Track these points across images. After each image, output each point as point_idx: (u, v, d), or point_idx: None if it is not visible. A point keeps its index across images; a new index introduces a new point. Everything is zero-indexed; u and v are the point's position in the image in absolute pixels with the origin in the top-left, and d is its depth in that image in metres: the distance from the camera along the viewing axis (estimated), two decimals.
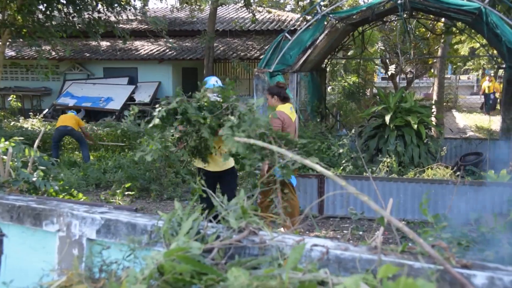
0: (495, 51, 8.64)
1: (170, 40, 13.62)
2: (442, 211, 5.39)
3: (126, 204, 6.44)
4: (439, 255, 1.41)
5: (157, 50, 15.62)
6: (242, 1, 14.42)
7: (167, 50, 15.44)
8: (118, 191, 6.78)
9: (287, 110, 4.81)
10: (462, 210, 4.73)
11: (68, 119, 9.02)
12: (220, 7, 16.85)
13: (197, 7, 15.36)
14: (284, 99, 4.89)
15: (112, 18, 12.18)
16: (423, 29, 12.29)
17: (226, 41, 16.00)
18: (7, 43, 11.10)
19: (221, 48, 15.35)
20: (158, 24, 12.19)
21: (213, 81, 4.63)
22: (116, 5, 11.46)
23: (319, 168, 1.56)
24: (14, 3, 10.07)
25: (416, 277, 1.40)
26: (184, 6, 15.51)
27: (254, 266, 1.59)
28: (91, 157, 9.18)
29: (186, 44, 16.08)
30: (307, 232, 5.31)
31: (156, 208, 6.45)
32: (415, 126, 7.10)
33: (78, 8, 10.85)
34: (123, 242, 1.73)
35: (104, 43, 16.00)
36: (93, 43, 14.67)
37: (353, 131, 8.55)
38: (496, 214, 2.42)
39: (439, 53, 12.77)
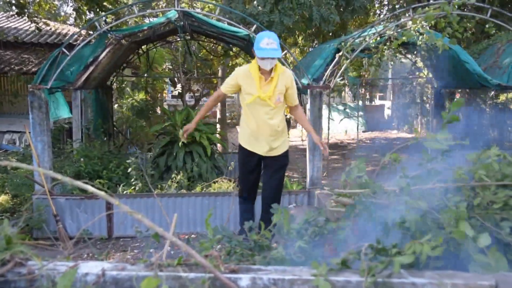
0: None
1: None
2: (224, 222, 5.78)
3: None
4: (209, 264, 1.51)
5: None
6: (14, 9, 13.04)
7: None
8: None
9: None
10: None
11: None
12: None
13: None
14: None
15: None
16: (206, 51, 13.07)
17: None
18: None
19: None
20: None
21: (264, 43, 3.87)
22: None
23: (90, 188, 1.52)
24: None
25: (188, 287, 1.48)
26: None
27: None
28: None
29: None
30: (87, 256, 5.05)
31: None
32: (203, 142, 7.48)
33: None
34: None
35: None
36: None
37: (145, 148, 8.54)
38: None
39: (220, 73, 13.75)
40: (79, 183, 1.60)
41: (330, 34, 11.15)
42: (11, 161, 6.67)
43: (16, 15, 13.19)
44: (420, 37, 5.66)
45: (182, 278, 1.52)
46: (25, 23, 15.79)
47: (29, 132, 5.77)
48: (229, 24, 6.26)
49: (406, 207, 1.90)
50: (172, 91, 21.20)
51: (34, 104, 5.60)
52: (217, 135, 9.11)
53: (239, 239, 2.67)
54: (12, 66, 13.21)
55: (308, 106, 6.11)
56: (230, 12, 7.02)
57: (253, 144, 4.35)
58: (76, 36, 7.70)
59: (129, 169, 6.88)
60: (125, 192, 6.47)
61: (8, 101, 13.24)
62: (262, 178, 4.61)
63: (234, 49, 10.53)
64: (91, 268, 1.55)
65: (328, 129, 9.90)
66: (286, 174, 9.32)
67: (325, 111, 9.07)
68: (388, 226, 1.89)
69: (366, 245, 1.63)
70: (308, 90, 5.99)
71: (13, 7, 13.04)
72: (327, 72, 6.10)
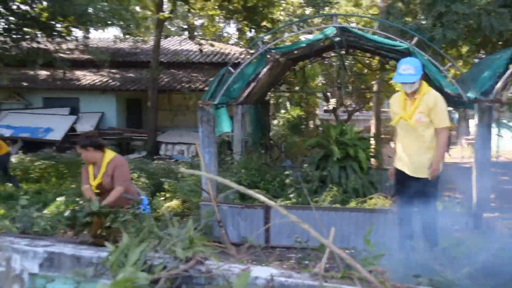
0: None
1: (113, 71, 13.44)
2: (381, 239, 5.59)
3: None
4: (375, 280, 1.50)
5: (99, 80, 15.38)
6: (186, 34, 14.58)
7: (110, 81, 15.22)
8: None
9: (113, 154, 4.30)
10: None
11: None
12: (164, 39, 16.94)
13: (141, 38, 15.30)
14: (100, 146, 4.20)
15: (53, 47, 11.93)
16: (360, 65, 12.94)
17: (170, 72, 16.04)
18: None
19: (166, 80, 15.36)
20: (98, 55, 12.08)
21: (401, 69, 4.21)
22: (55, 34, 11.26)
23: (262, 198, 1.64)
24: None
25: None
26: (127, 37, 15.43)
27: None
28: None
29: (130, 74, 15.95)
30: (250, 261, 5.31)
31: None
32: (360, 157, 7.39)
33: (16, 37, 10.57)
34: (68, 276, 1.70)
35: (43, 72, 15.55)
36: (31, 72, 14.25)
37: (299, 162, 8.76)
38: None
39: (375, 88, 13.45)
40: (251, 192, 1.74)
41: (500, 43, 10.13)
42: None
43: (188, 39, 14.72)
44: None
45: None
46: (193, 45, 17.53)
47: (198, 144, 6.37)
48: (386, 37, 6.12)
49: None
50: (324, 106, 21.37)
51: (203, 118, 6.16)
52: (372, 150, 8.90)
53: (400, 258, 2.58)
54: (183, 84, 14.76)
55: (474, 121, 5.63)
56: (390, 26, 6.85)
57: (400, 162, 4.51)
58: (238, 55, 8.29)
59: (286, 181, 7.12)
60: (282, 203, 6.70)
61: (179, 115, 14.77)
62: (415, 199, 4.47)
63: (390, 62, 10.24)
64: (260, 272, 1.65)
65: (497, 146, 8.98)
66: (446, 194, 8.69)
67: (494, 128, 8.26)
68: None
69: None
70: (475, 105, 5.53)
71: (185, 32, 14.61)
72: (498, 85, 5.55)
